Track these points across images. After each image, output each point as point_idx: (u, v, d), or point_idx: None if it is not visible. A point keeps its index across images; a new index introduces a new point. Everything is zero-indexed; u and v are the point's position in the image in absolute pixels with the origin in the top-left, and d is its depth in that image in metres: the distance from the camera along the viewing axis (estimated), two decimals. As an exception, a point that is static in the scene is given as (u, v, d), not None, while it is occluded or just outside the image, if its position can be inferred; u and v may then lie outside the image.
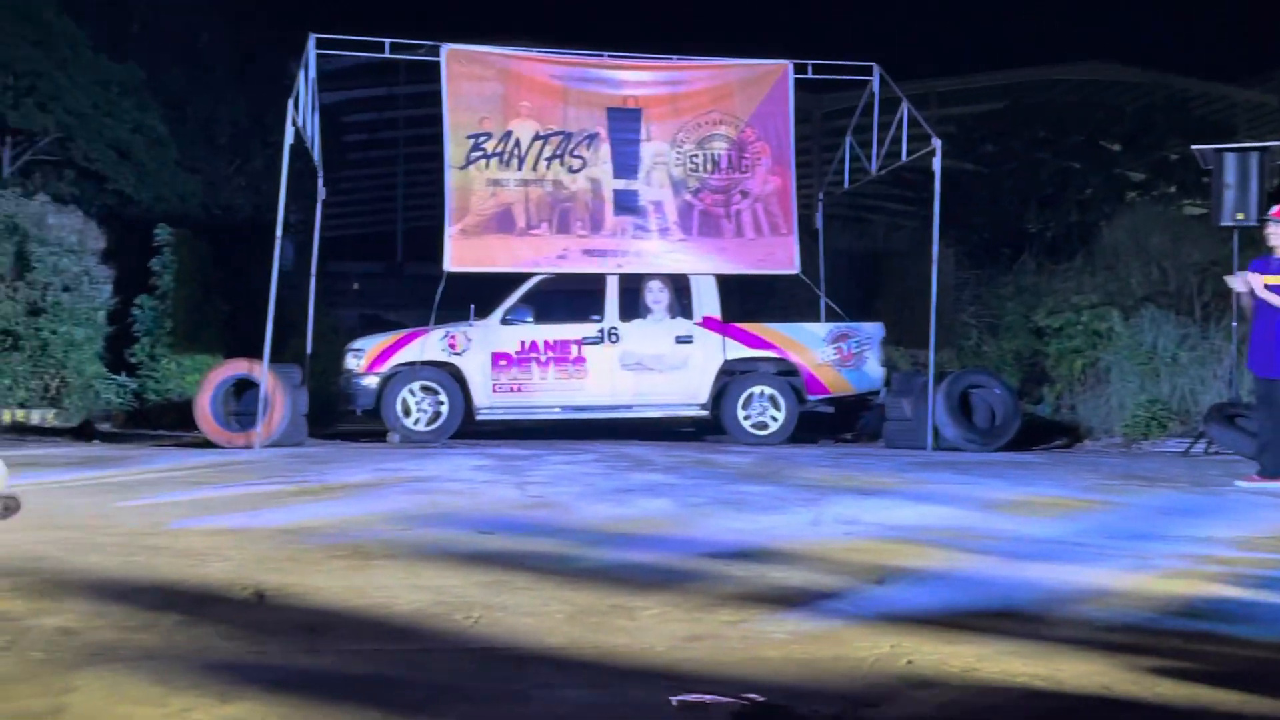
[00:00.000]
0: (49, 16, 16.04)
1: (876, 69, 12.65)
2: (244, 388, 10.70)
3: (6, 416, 12.53)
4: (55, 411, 12.95)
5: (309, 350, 12.26)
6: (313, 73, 11.30)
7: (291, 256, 15.49)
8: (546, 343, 11.72)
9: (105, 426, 12.99)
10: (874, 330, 12.33)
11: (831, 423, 12.96)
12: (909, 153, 12.28)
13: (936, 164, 11.61)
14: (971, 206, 18.98)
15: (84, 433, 11.92)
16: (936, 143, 11.61)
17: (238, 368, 10.75)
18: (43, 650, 2.77)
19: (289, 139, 10.50)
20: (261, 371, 10.35)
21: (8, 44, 15.67)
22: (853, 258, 16.80)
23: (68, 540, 4.46)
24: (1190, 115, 21.41)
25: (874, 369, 12.19)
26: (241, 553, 4.19)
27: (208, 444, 10.44)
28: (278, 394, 10.44)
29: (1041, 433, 12.32)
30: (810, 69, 12.70)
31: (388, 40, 11.83)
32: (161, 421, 13.41)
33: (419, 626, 3.09)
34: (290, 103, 10.57)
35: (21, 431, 12.08)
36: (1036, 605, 3.46)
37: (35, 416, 12.72)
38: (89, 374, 13.31)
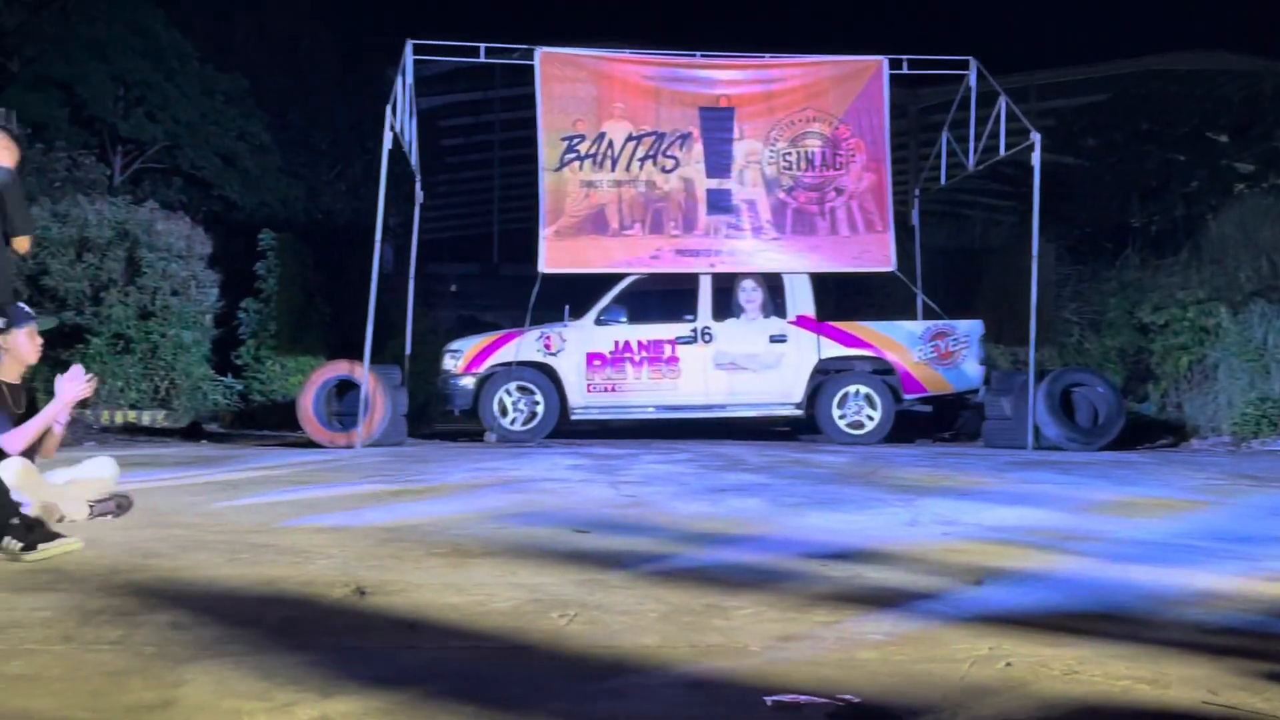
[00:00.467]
0: (158, 29, 16.52)
1: (973, 63, 12.47)
2: (345, 388, 10.91)
3: (119, 417, 12.92)
4: (165, 412, 13.32)
5: (408, 351, 12.46)
6: (410, 79, 11.48)
7: (391, 259, 15.77)
8: (640, 343, 11.75)
9: (212, 427, 13.34)
10: (972, 328, 12.15)
11: (929, 422, 12.80)
12: (1007, 147, 12.07)
13: (1036, 158, 11.40)
14: (1072, 201, 18.58)
15: (192, 433, 12.24)
16: (1035, 136, 11.40)
17: (339, 369, 10.97)
18: (154, 645, 2.87)
19: (387, 144, 10.67)
20: (362, 372, 10.54)
21: (120, 57, 16.18)
22: (950, 254, 16.56)
23: (177, 538, 4.59)
24: (1302, 104, 20.71)
25: (972, 367, 12.01)
26: (343, 550, 4.28)
27: (311, 444, 10.66)
28: (378, 394, 10.62)
29: (1146, 432, 12.03)
30: (905, 64, 12.56)
31: (483, 45, 11.96)
32: (266, 422, 13.73)
33: (515, 624, 3.13)
34: (388, 109, 10.75)
35: (133, 432, 12.45)
36: (1140, 608, 3.39)
37: (145, 417, 13.09)
38: (197, 376, 13.68)
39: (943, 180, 13.93)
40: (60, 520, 4.57)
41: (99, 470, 5.20)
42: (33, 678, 2.58)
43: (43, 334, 4.97)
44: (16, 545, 4.02)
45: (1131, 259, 15.16)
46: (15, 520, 4.09)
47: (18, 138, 6.09)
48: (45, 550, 4.04)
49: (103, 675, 2.59)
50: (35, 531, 4.09)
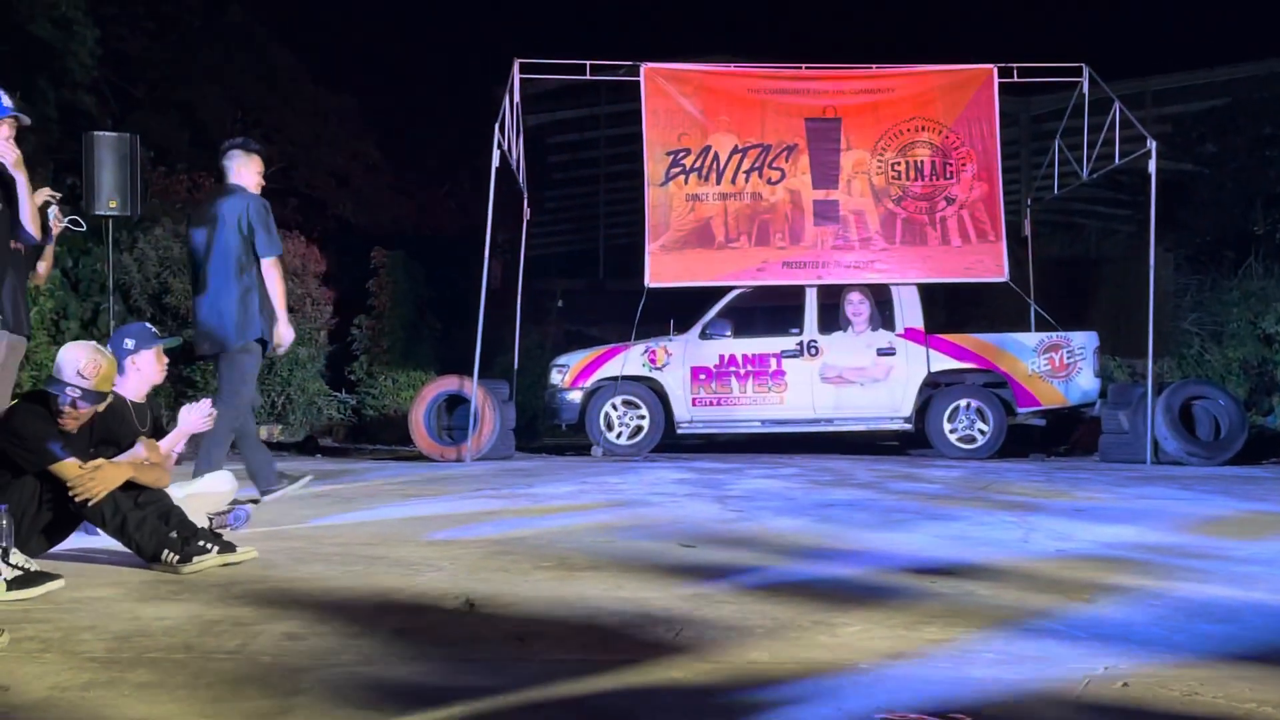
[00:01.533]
0: (272, 53, 17.02)
1: (1086, 69, 12.21)
2: (455, 403, 11.08)
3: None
4: (281, 427, 13.65)
5: (516, 366, 12.60)
6: (517, 96, 11.62)
7: (499, 275, 15.96)
8: (745, 356, 11.71)
9: (327, 441, 13.63)
10: (1088, 340, 11.87)
11: (1043, 436, 12.54)
12: (1122, 155, 11.79)
13: (1152, 165, 11.11)
14: (1191, 209, 18.08)
15: (308, 447, 12.53)
16: (1151, 143, 11.12)
17: (449, 384, 11.13)
18: (271, 654, 2.94)
19: (495, 162, 10.82)
20: (472, 387, 10.67)
21: (237, 80, 16.70)
22: (1064, 265, 16.23)
23: (293, 550, 4.70)
24: None
25: (1088, 380, 11.73)
26: (453, 563, 4.34)
27: (421, 457, 10.84)
28: (487, 409, 10.76)
29: (1271, 446, 11.62)
30: (1016, 72, 12.35)
31: (589, 62, 12.06)
32: (379, 436, 14.00)
33: (623, 638, 3.14)
34: (496, 126, 10.90)
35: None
36: (1264, 629, 3.28)
37: (263, 432, 13.41)
38: (312, 391, 14.00)
39: (1056, 189, 13.65)
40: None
41: (217, 484, 5.34)
42: (156, 685, 2.66)
43: (168, 352, 5.10)
44: (174, 557, 4.16)
45: (1255, 268, 14.69)
46: (173, 534, 4.23)
47: (259, 152, 6.41)
48: (200, 563, 4.17)
49: (223, 683, 2.66)
50: (190, 544, 4.21)
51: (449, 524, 5.66)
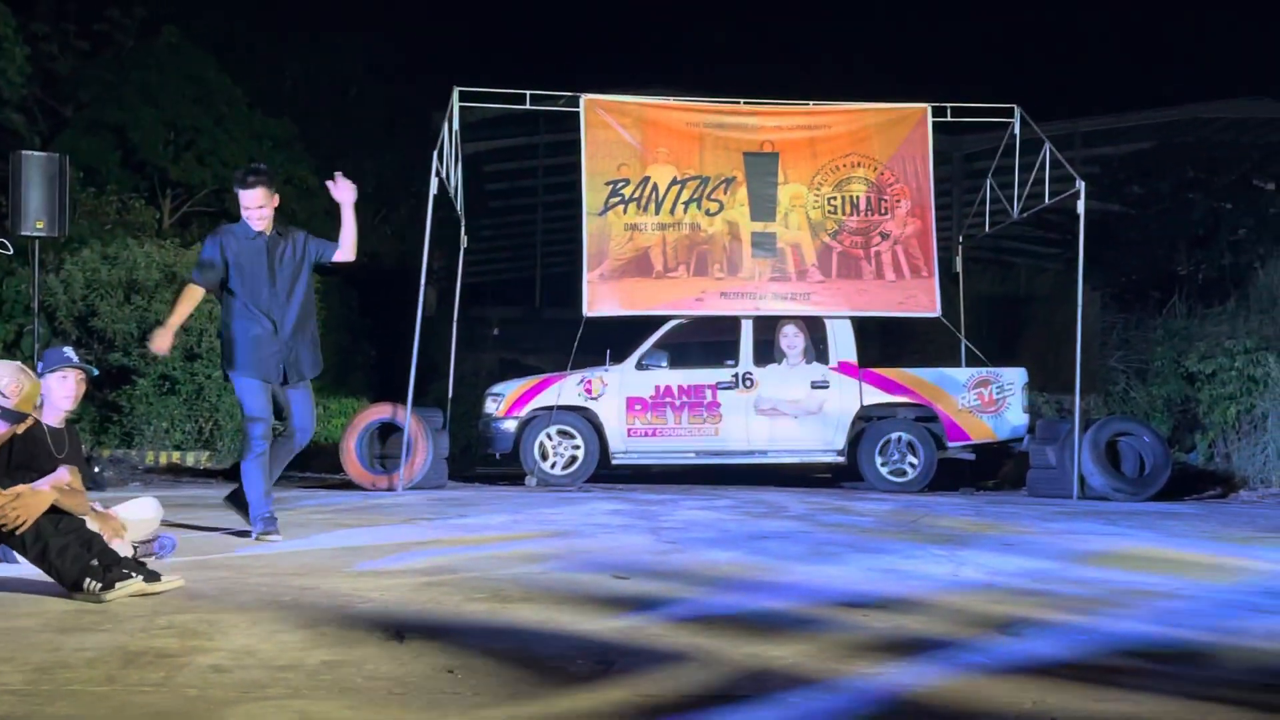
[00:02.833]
0: (209, 75, 16.85)
1: (1017, 110, 12.45)
2: (388, 431, 10.98)
3: (163, 458, 13.05)
4: (208, 454, 13.44)
5: (450, 394, 12.52)
6: (456, 124, 11.61)
7: (435, 303, 15.89)
8: (681, 387, 11.75)
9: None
10: (1017, 376, 12.06)
11: (972, 470, 12.69)
12: (1052, 194, 12.02)
13: (1080, 205, 11.34)
14: (1118, 249, 18.46)
15: (236, 475, 12.32)
16: (1080, 184, 11.36)
17: (382, 412, 11.04)
18: (197, 687, 2.88)
19: (433, 189, 10.79)
20: (405, 415, 10.59)
21: (171, 102, 16.51)
22: (994, 301, 16.49)
23: (220, 579, 4.63)
24: (1352, 152, 20.51)
25: (1017, 415, 11.91)
26: (384, 594, 4.29)
27: (353, 486, 10.72)
28: (420, 437, 10.67)
29: (1193, 482, 11.85)
30: (950, 111, 12.57)
31: (529, 92, 12.08)
32: (310, 464, 13.81)
33: (556, 670, 3.12)
34: (434, 154, 10.87)
35: (176, 473, 12.56)
36: (1188, 662, 3.34)
37: (190, 458, 13.21)
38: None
39: (987, 227, 13.88)
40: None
41: (142, 511, 5.24)
42: (78, 719, 2.60)
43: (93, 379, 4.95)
44: (96, 585, 4.05)
45: (1178, 307, 15.02)
46: (95, 561, 4.12)
47: (239, 184, 6.24)
48: (123, 588, 4.07)
49: (146, 717, 2.60)
50: (113, 571, 4.11)
51: (380, 554, 5.60)
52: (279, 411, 6.52)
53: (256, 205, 6.18)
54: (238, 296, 6.24)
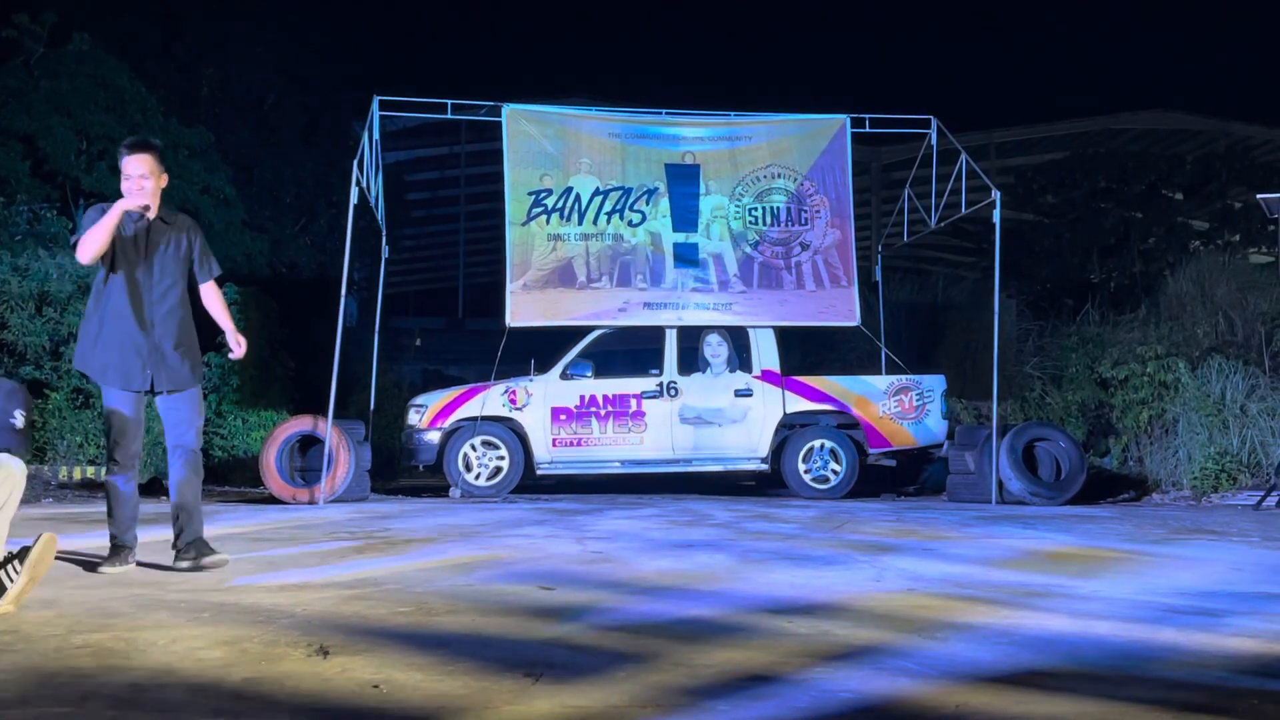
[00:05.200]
0: (122, 83, 16.51)
1: (934, 121, 12.66)
2: (309, 443, 10.83)
3: (76, 473, 12.75)
4: (124, 468, 13.12)
5: (372, 406, 12.40)
6: (376, 133, 11.52)
7: (355, 313, 15.72)
8: (606, 397, 11.76)
9: (173, 482, 13.15)
10: (936, 382, 12.25)
11: (894, 476, 12.86)
12: (968, 204, 12.24)
13: (996, 215, 11.57)
14: (1033, 257, 18.85)
15: (153, 489, 12.09)
16: (995, 194, 11.58)
17: (302, 424, 10.89)
18: (114, 710, 2.82)
19: (353, 198, 10.68)
20: (326, 427, 10.47)
21: (83, 111, 16.15)
22: (913, 310, 16.73)
23: (137, 597, 4.53)
24: (1254, 163, 21.17)
25: (936, 422, 12.09)
26: (306, 609, 4.23)
27: (273, 500, 10.56)
28: (341, 450, 10.55)
29: (1108, 486, 12.13)
30: (868, 122, 12.74)
31: (450, 101, 12.03)
32: (228, 478, 13.59)
33: (482, 682, 3.10)
34: (354, 163, 10.78)
35: (92, 488, 12.28)
36: (1106, 664, 3.40)
37: (104, 474, 12.90)
38: (157, 431, 13.51)
39: (905, 237, 14.08)
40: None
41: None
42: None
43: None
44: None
45: (1091, 315, 15.35)
46: None
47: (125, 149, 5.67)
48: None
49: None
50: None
51: (301, 568, 5.52)
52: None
53: (139, 174, 5.49)
54: (110, 282, 5.49)
